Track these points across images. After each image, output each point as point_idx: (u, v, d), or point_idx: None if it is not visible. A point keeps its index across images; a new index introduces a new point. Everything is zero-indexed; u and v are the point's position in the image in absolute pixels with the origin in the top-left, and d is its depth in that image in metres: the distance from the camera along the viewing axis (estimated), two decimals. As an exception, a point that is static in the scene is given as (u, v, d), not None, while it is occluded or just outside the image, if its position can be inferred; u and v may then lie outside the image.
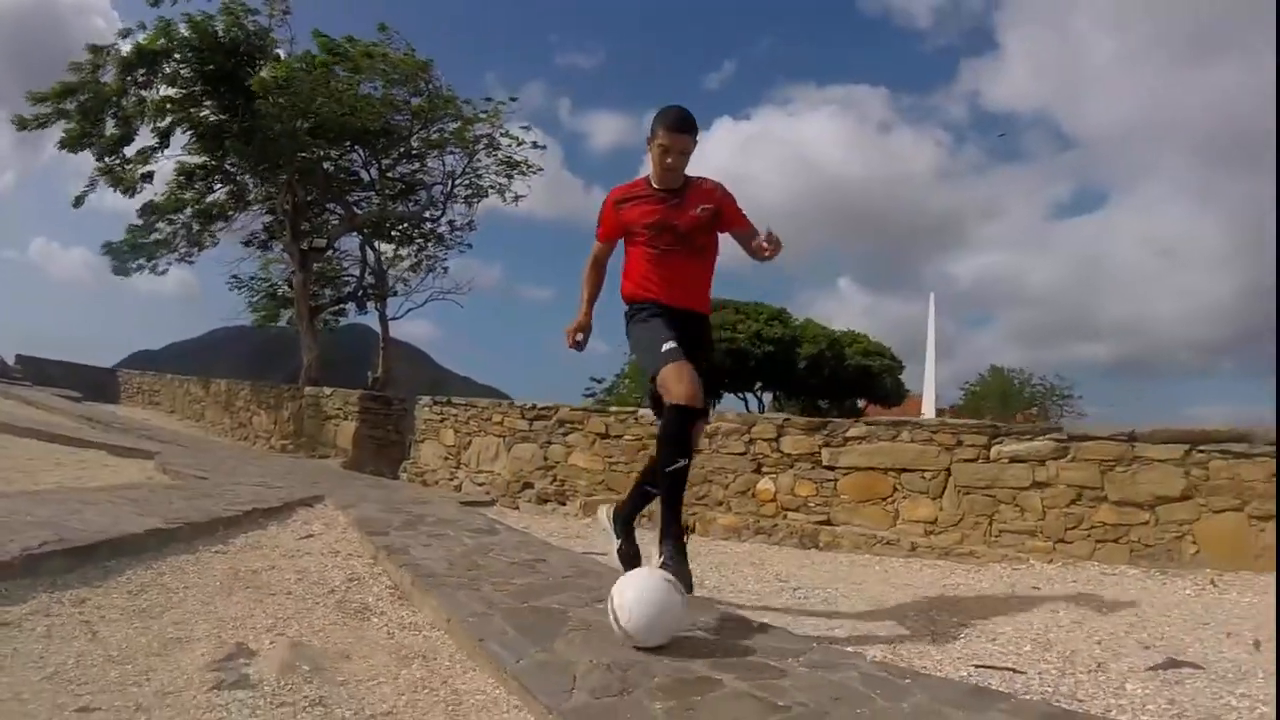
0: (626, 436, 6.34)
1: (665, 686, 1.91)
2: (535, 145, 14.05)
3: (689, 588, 2.68)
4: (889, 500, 5.14)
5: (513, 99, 14.15)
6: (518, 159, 14.03)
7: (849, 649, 2.51)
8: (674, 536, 2.84)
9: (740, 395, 24.56)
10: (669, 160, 2.90)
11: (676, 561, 2.75)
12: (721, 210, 3.01)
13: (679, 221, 2.96)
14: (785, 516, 5.48)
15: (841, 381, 22.04)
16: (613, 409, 6.80)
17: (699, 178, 3.04)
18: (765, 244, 2.92)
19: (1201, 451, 4.33)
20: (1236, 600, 3.62)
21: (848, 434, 5.33)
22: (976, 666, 2.47)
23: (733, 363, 21.14)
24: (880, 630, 3.03)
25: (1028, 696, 2.12)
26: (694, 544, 5.27)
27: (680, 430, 2.82)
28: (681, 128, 2.89)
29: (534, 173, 14.30)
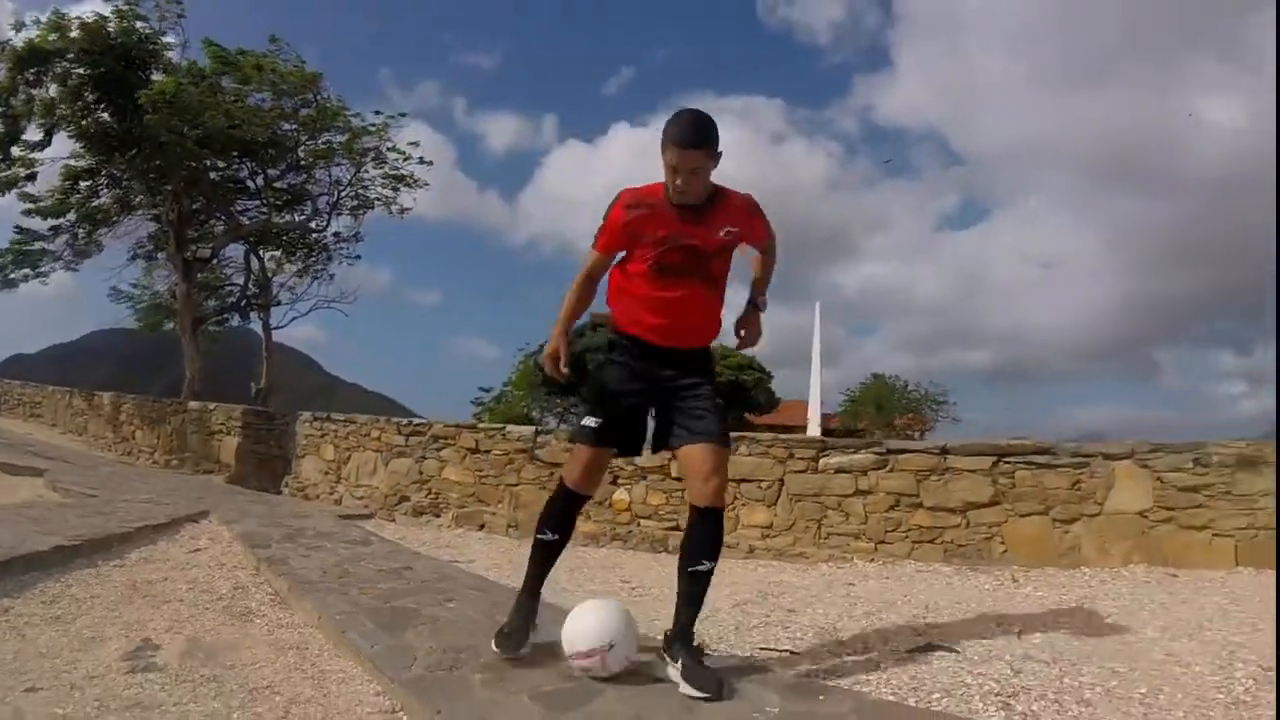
0: (495, 451, 6.76)
1: (488, 665, 2.50)
2: (422, 161, 14.41)
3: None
4: (730, 508, 5.58)
5: (402, 114, 14.45)
6: (404, 173, 14.37)
7: (656, 637, 2.76)
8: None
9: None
10: (679, 182, 2.38)
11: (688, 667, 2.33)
12: (742, 233, 2.57)
13: (699, 240, 2.47)
14: (639, 524, 6.00)
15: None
16: (482, 425, 7.18)
17: (729, 191, 2.54)
18: (744, 338, 2.74)
19: (1008, 463, 4.85)
20: (1029, 594, 3.97)
21: (696, 449, 5.91)
22: (761, 650, 2.96)
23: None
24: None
25: (790, 673, 2.51)
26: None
27: (562, 506, 2.64)
28: (692, 143, 2.35)
29: (420, 187, 14.66)
